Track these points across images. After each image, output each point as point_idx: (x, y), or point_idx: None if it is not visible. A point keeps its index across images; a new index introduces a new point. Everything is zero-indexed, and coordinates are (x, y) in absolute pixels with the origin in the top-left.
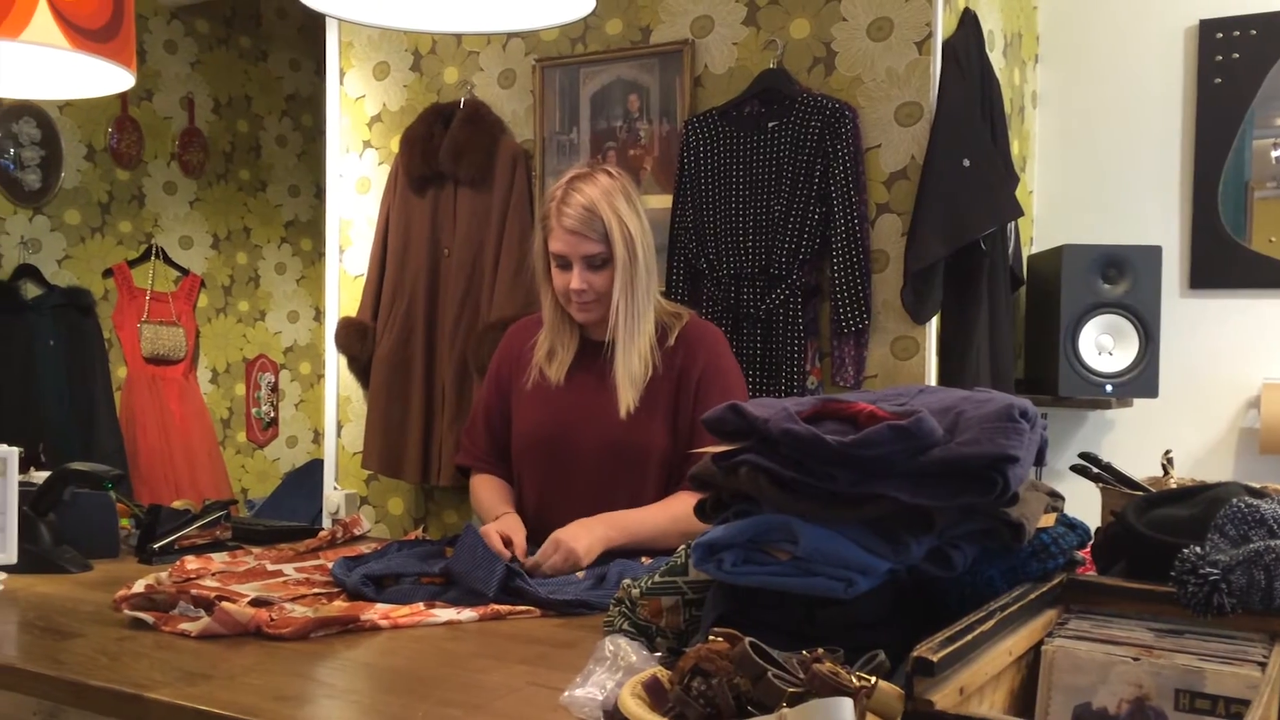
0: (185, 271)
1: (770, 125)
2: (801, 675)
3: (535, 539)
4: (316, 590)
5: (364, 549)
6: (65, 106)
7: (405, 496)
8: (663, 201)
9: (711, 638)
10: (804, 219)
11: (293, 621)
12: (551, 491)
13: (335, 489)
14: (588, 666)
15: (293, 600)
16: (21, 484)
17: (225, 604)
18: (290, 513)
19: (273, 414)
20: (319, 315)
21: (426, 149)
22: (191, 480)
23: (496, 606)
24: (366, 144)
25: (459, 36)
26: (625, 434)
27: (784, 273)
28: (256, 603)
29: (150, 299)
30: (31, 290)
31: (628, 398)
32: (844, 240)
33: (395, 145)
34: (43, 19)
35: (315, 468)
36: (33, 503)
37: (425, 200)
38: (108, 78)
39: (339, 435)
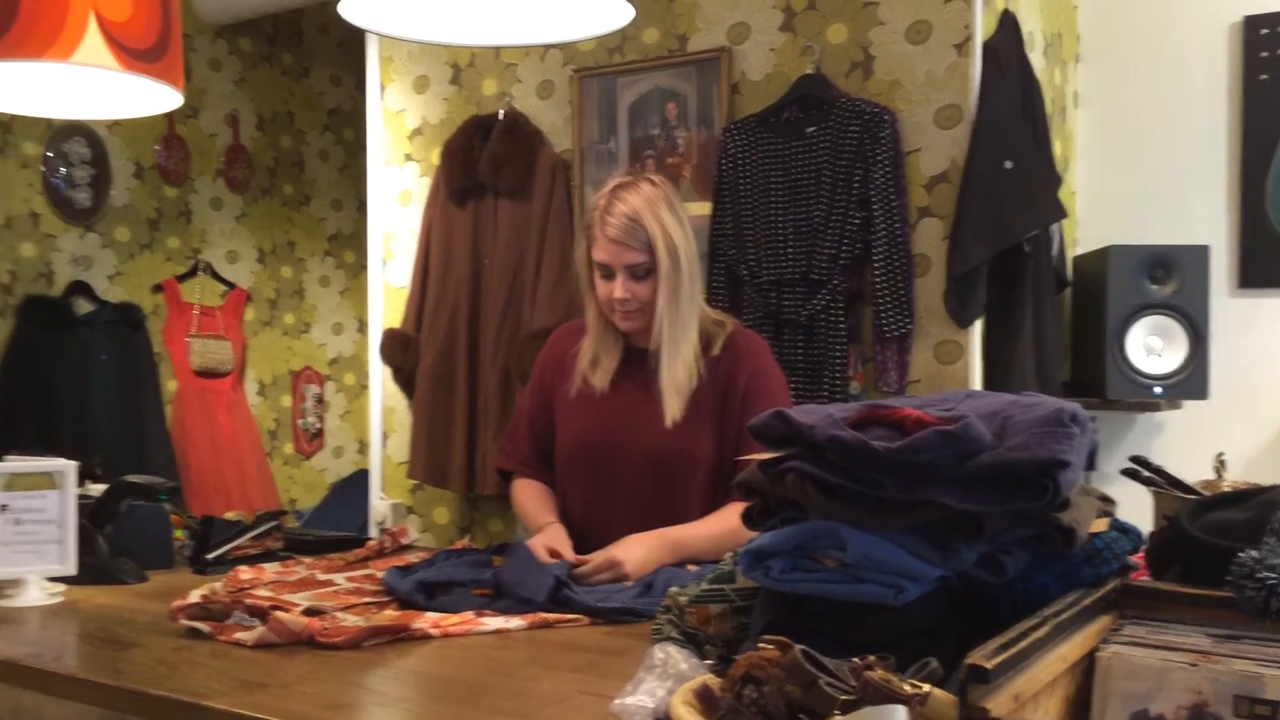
0: (232, 286)
1: (809, 130)
2: (853, 683)
3: (581, 547)
4: (367, 599)
5: (412, 558)
6: (114, 126)
7: (450, 506)
8: (701, 209)
9: (761, 645)
10: (844, 224)
11: (345, 630)
12: (597, 500)
13: (381, 499)
14: (638, 674)
15: (344, 609)
16: (79, 497)
17: (279, 613)
18: (337, 522)
19: (319, 425)
20: (362, 327)
21: (466, 161)
22: (241, 491)
23: (545, 615)
24: (407, 157)
25: (498, 49)
26: (671, 444)
27: (825, 278)
28: (309, 612)
29: (198, 313)
30: (84, 306)
31: (673, 407)
32: (885, 245)
33: (436, 158)
34: (93, 41)
35: (361, 478)
36: (91, 515)
37: (466, 211)
38: (156, 97)
39: (384, 446)
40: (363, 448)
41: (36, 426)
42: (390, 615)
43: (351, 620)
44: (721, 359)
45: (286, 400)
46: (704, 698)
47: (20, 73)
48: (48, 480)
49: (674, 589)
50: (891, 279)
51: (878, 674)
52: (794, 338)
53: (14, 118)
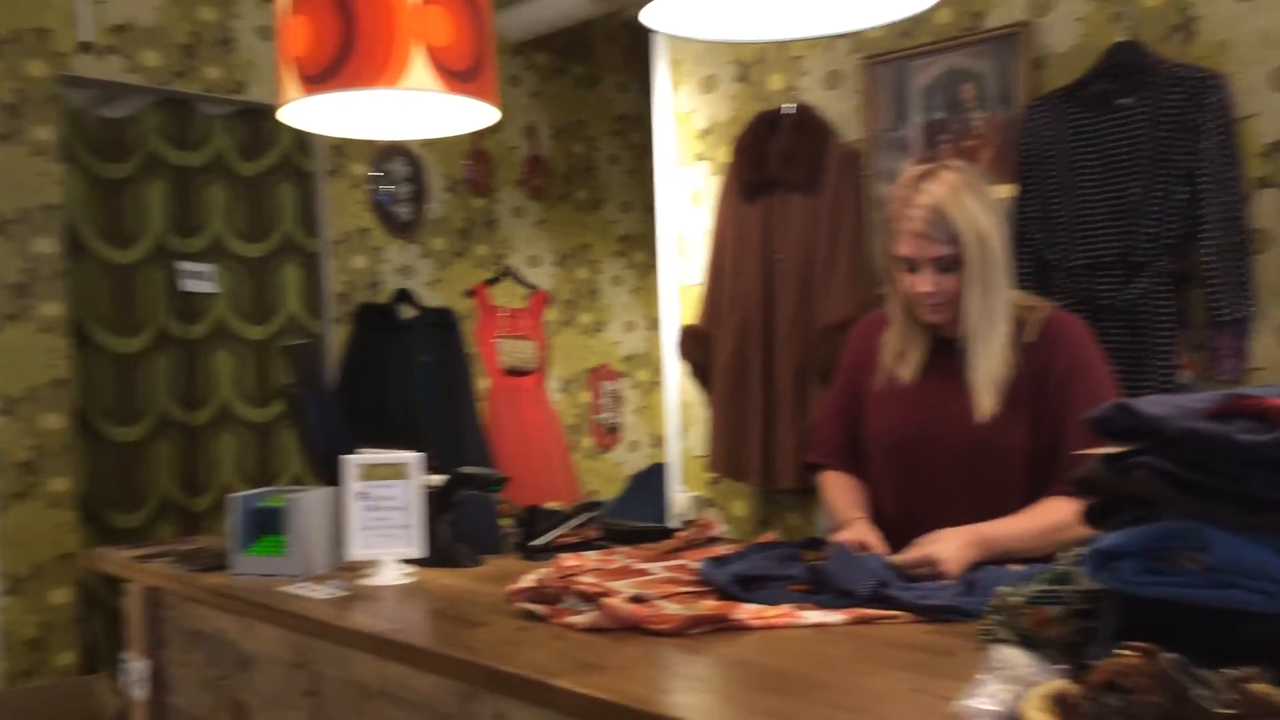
0: (534, 288)
1: (1122, 102)
2: (1232, 696)
3: (896, 541)
4: (685, 589)
5: (720, 550)
6: (427, 144)
7: (748, 499)
8: (1002, 191)
9: (1122, 652)
10: (1166, 200)
11: (670, 618)
12: (911, 494)
13: (681, 492)
14: (978, 676)
15: (665, 598)
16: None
17: (607, 600)
18: (635, 514)
19: (615, 420)
20: (653, 324)
21: (756, 156)
22: (548, 484)
23: (864, 611)
24: (698, 156)
25: (785, 44)
26: (986, 437)
27: (1147, 259)
28: (634, 599)
29: (505, 315)
30: (407, 311)
31: (986, 400)
32: (1218, 221)
33: (725, 156)
34: (419, 67)
35: (656, 471)
36: (434, 503)
37: (757, 207)
38: (475, 114)
39: (682, 439)
40: (657, 441)
41: (371, 421)
42: (710, 605)
43: (673, 609)
44: (1037, 345)
45: (585, 396)
46: (1061, 704)
47: (352, 100)
48: (397, 471)
49: (1002, 589)
50: (1226, 258)
51: (1260, 687)
52: (1113, 324)
53: (346, 142)
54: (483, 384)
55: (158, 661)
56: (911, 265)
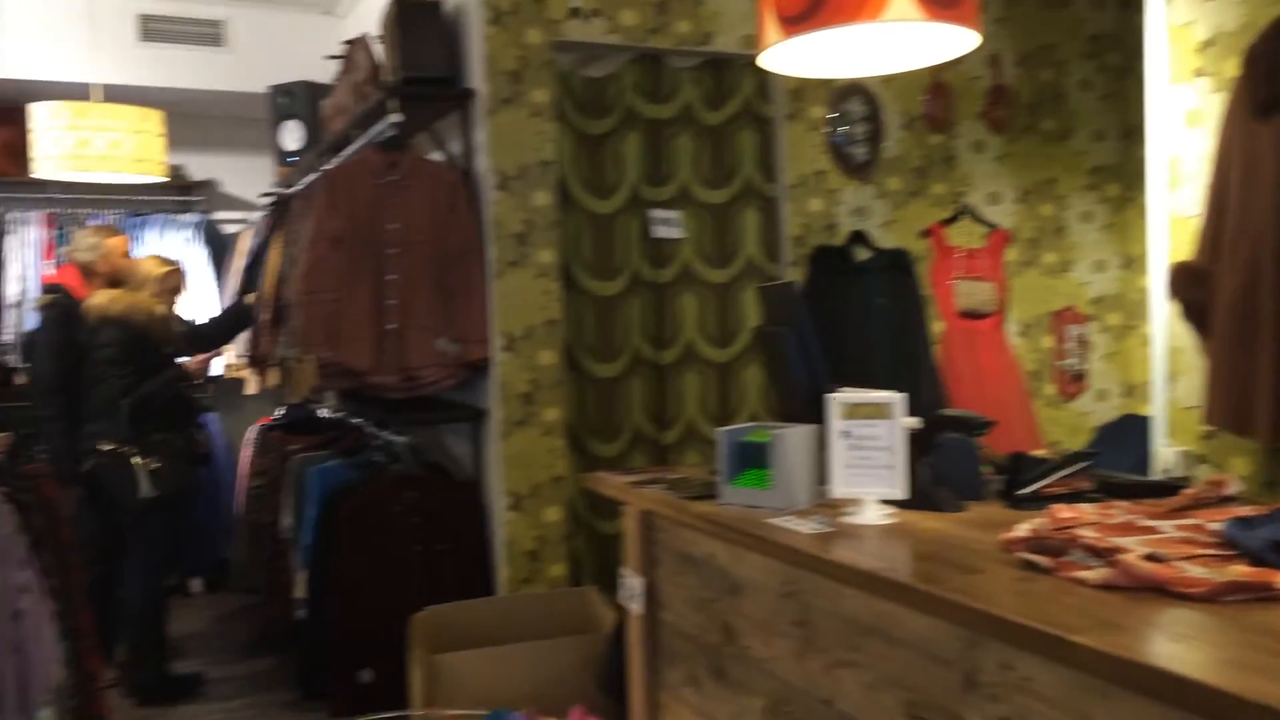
0: (993, 227)
1: None
2: None
3: None
4: (1207, 551)
5: (1239, 511)
6: (885, 81)
7: (1252, 456)
8: None
9: None
10: None
11: (1201, 582)
12: None
13: (1167, 446)
14: None
15: (1185, 559)
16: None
17: (1123, 557)
18: (1108, 468)
19: (1081, 366)
20: (1128, 263)
21: (1272, 68)
22: (1006, 432)
23: None
24: (1197, 72)
25: None
26: None
27: None
28: (1150, 558)
29: (962, 256)
30: (861, 254)
31: None
32: None
33: (1233, 69)
34: None
35: (1128, 423)
36: (914, 444)
37: (1271, 127)
38: (951, 42)
39: (1169, 389)
40: (1129, 390)
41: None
42: (1243, 570)
43: (1199, 571)
44: None
45: (1047, 341)
46: None
47: (825, 40)
48: (880, 410)
49: None
50: None
51: None
52: None
53: (804, 86)
54: (938, 327)
55: (651, 579)
56: None
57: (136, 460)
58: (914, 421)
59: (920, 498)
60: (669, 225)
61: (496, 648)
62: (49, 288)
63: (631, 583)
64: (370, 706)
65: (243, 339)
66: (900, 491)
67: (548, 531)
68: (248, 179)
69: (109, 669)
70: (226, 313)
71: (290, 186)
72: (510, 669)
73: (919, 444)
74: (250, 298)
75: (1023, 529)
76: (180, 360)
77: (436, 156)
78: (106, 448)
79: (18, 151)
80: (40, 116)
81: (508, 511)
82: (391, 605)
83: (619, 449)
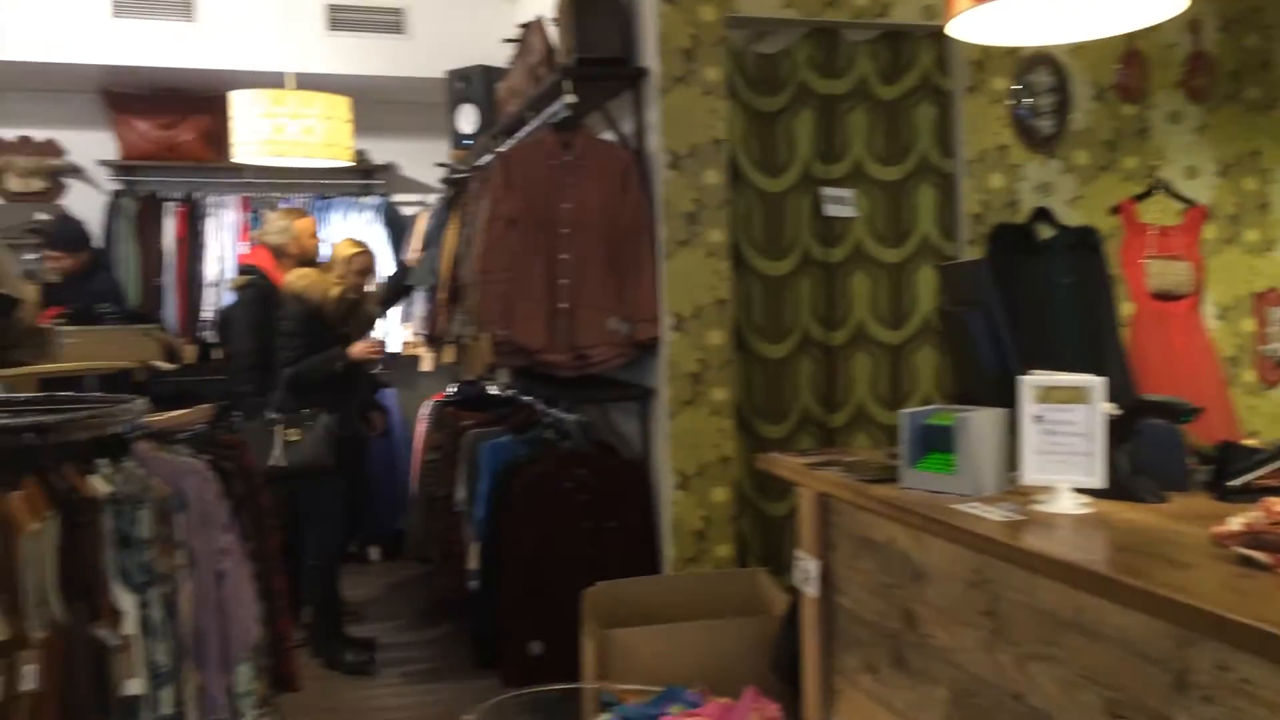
0: (1190, 203)
1: None
2: None
3: None
4: None
5: None
6: (1074, 50)
7: None
8: None
9: None
10: None
11: None
12: None
13: None
14: None
15: None
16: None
17: None
18: None
19: None
20: None
21: None
22: (1201, 419)
23: None
24: None
25: None
26: None
27: None
28: None
29: (1155, 234)
30: (1045, 231)
31: None
32: None
33: None
34: None
35: None
36: (1111, 431)
37: None
38: (1153, 5)
39: None
40: None
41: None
42: None
43: None
44: None
45: (1248, 324)
46: None
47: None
48: (1077, 394)
49: None
50: None
51: None
52: None
53: (987, 57)
54: (1127, 309)
55: (826, 562)
56: None
57: (279, 430)
58: (1112, 407)
59: (1117, 487)
60: (841, 203)
61: (668, 625)
62: (245, 268)
63: (806, 565)
64: (540, 678)
65: (418, 318)
66: (1099, 480)
67: (715, 512)
68: (425, 162)
69: (297, 630)
70: (382, 286)
71: (465, 169)
72: (682, 647)
73: (1116, 430)
74: (411, 259)
75: (1235, 523)
76: (352, 345)
77: (609, 136)
78: (270, 416)
79: (217, 138)
80: (240, 104)
81: (675, 491)
82: (560, 579)
83: (786, 430)
